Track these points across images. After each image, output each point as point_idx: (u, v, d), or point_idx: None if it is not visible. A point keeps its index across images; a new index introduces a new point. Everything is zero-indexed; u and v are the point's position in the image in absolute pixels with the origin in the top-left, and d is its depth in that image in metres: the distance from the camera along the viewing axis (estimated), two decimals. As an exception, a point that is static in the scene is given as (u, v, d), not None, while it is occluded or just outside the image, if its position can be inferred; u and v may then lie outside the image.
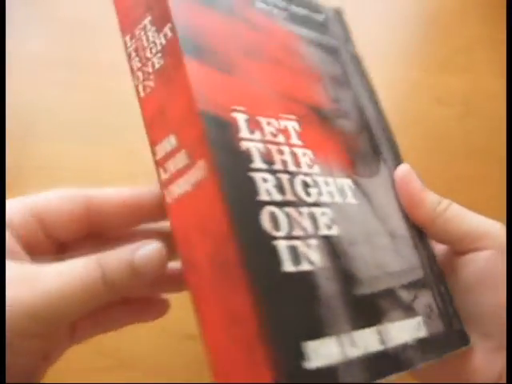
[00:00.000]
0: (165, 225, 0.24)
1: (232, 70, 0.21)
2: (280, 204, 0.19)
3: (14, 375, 0.19)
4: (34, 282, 0.18)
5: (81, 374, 0.36)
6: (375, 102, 0.29)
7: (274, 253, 0.18)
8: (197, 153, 0.19)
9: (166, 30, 0.21)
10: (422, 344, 0.21)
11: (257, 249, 0.17)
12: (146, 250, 0.20)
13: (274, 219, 0.18)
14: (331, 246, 0.20)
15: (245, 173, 0.19)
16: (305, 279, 0.18)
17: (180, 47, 0.20)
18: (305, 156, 0.22)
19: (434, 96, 0.54)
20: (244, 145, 0.19)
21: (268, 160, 0.20)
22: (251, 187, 0.19)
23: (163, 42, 0.21)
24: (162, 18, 0.21)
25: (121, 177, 0.44)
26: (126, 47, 0.23)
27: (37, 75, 0.49)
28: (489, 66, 0.56)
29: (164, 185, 0.20)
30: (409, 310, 0.22)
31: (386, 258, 0.22)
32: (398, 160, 0.28)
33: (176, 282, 0.24)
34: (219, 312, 0.17)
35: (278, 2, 0.26)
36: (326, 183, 0.22)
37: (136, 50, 0.22)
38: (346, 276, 0.20)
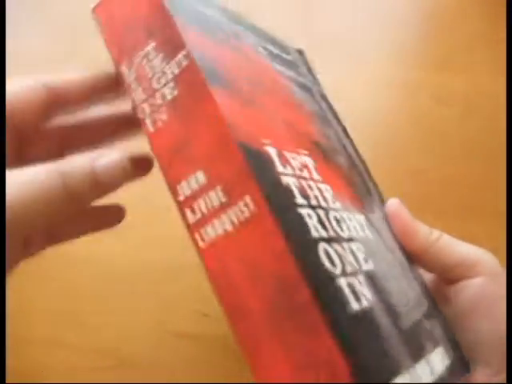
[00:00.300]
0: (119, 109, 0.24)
1: (251, 102, 0.20)
2: (328, 240, 0.18)
3: None
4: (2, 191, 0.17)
5: (81, 374, 0.36)
6: (350, 139, 0.29)
7: (340, 292, 0.17)
8: (239, 188, 0.17)
9: (180, 57, 0.19)
10: (448, 372, 0.21)
11: (327, 289, 0.16)
12: (108, 159, 0.19)
13: (329, 256, 0.18)
14: (372, 280, 0.19)
15: (294, 208, 0.18)
16: (368, 317, 0.17)
17: (203, 76, 0.18)
18: (327, 191, 0.21)
19: (433, 96, 0.54)
20: (284, 179, 0.18)
21: (305, 195, 0.19)
22: (303, 224, 0.17)
23: (175, 71, 0.19)
24: (173, 45, 0.19)
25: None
26: (124, 78, 0.21)
27: (36, 74, 0.49)
28: (488, 65, 0.56)
29: (194, 228, 0.18)
30: (434, 340, 0.21)
31: (406, 289, 0.22)
32: (380, 195, 0.28)
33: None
34: (285, 358, 0.16)
35: (258, 39, 0.25)
36: (350, 219, 0.21)
37: (138, 80, 0.20)
38: (391, 310, 0.19)
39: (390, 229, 0.25)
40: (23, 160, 0.22)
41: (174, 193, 0.19)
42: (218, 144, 0.18)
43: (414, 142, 0.51)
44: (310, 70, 0.31)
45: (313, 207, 0.19)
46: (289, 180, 0.18)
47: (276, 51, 0.27)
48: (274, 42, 0.27)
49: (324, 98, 0.30)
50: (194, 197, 0.18)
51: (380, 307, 0.18)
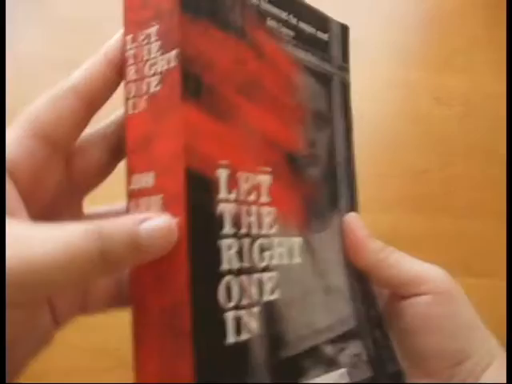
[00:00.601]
0: None
1: (225, 115, 0.20)
2: (237, 272, 0.19)
3: None
4: (24, 246, 0.16)
5: (81, 374, 0.36)
6: (349, 141, 0.29)
7: (221, 325, 0.18)
8: (172, 209, 0.18)
9: (172, 55, 0.18)
10: None
11: (207, 321, 0.18)
12: (154, 223, 0.17)
13: (228, 290, 0.19)
14: (270, 310, 0.20)
15: (214, 240, 0.18)
16: (241, 349, 0.19)
17: (182, 88, 0.18)
18: (268, 216, 0.21)
19: (433, 96, 0.54)
20: (220, 208, 0.19)
21: (236, 223, 0.20)
22: (216, 257, 0.18)
23: (165, 66, 0.19)
24: (170, 39, 0.19)
25: (121, 176, 0.44)
26: (126, 47, 0.20)
27: (37, 75, 0.49)
28: (488, 66, 0.56)
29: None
30: (332, 364, 0.22)
31: (316, 316, 0.23)
32: (352, 208, 0.28)
33: None
34: (156, 364, 0.18)
35: (289, 18, 0.25)
36: (280, 244, 0.22)
37: (135, 58, 0.20)
38: (275, 340, 0.20)
39: (342, 246, 0.26)
40: (71, 172, 0.21)
41: (128, 179, 0.19)
42: (171, 158, 0.18)
43: (414, 142, 0.51)
44: (345, 52, 0.29)
45: (239, 236, 0.20)
46: (225, 208, 0.19)
47: (309, 30, 0.26)
48: (311, 18, 0.26)
49: (344, 88, 0.29)
50: (141, 193, 0.19)
51: (262, 339, 0.20)
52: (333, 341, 0.23)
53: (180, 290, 0.18)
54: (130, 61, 0.20)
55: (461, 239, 0.48)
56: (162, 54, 0.19)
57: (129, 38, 0.20)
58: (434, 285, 0.24)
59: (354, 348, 0.24)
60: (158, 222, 0.17)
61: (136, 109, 0.19)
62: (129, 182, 0.19)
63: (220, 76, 0.20)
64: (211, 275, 0.18)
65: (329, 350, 0.23)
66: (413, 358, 0.24)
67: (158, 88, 0.19)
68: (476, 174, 0.50)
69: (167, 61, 0.19)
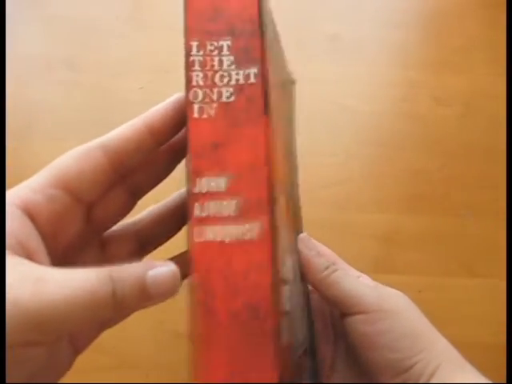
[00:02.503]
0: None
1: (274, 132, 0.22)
2: (285, 281, 0.21)
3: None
4: (41, 288, 0.17)
5: (81, 374, 0.36)
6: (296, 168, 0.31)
7: (284, 326, 0.20)
8: (252, 212, 0.19)
9: (250, 72, 0.20)
10: None
11: (283, 323, 0.20)
12: (159, 271, 0.19)
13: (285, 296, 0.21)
14: (288, 321, 0.22)
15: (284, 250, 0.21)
16: (289, 350, 0.21)
17: (263, 103, 0.20)
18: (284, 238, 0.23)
19: (432, 96, 0.54)
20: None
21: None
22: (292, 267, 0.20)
23: (241, 81, 0.20)
24: (250, 58, 0.20)
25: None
26: (189, 53, 0.21)
27: (37, 75, 0.49)
28: (488, 65, 0.56)
29: (196, 222, 0.19)
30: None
31: (299, 331, 0.24)
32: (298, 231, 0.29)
33: None
34: (226, 366, 0.19)
35: None
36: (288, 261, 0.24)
37: (202, 65, 0.20)
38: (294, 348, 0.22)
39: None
40: (92, 220, 0.22)
41: (191, 183, 0.20)
42: (251, 166, 0.19)
43: (413, 142, 0.51)
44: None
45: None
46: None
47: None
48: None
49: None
50: (207, 196, 0.19)
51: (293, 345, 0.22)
52: (300, 356, 0.25)
53: (264, 291, 0.18)
54: (196, 67, 0.21)
55: (461, 239, 0.48)
56: (237, 68, 0.20)
57: (194, 44, 0.21)
58: (364, 305, 0.26)
59: (310, 363, 0.27)
60: (163, 270, 0.19)
61: (204, 114, 0.20)
62: (193, 185, 0.20)
63: (272, 98, 0.21)
64: (280, 281, 0.20)
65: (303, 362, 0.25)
66: (367, 371, 0.26)
67: (232, 98, 0.20)
68: (475, 174, 0.50)
69: (244, 77, 0.20)
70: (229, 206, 0.19)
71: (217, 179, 0.19)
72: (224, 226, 0.19)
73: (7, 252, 0.18)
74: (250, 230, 0.19)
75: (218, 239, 0.19)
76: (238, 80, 0.20)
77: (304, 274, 0.27)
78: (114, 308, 0.18)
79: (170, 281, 0.19)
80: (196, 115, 0.20)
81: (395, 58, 0.56)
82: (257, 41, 0.20)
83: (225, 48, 0.20)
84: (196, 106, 0.20)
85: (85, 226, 0.22)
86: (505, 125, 0.52)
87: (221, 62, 0.20)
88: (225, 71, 0.20)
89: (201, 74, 0.21)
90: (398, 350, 0.25)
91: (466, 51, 0.57)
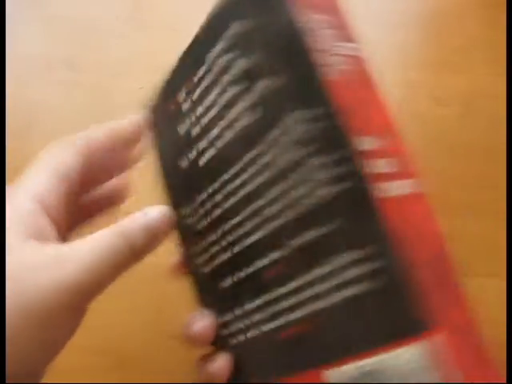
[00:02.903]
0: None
1: None
2: None
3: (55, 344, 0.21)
4: (69, 263, 0.19)
5: (81, 374, 0.36)
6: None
7: None
8: (410, 168, 0.21)
9: (353, 46, 0.22)
10: None
11: None
12: (156, 212, 0.22)
13: None
14: None
15: None
16: None
17: (370, 72, 0.22)
18: None
19: (432, 96, 0.54)
20: None
21: None
22: None
23: (348, 52, 0.22)
24: (345, 33, 0.22)
25: (121, 177, 0.44)
26: (301, 19, 0.21)
27: (37, 75, 0.49)
28: (488, 65, 0.56)
29: (376, 178, 0.20)
30: None
31: None
32: None
33: None
34: (455, 302, 0.20)
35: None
36: None
37: (314, 35, 0.21)
38: None
39: None
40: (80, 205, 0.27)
41: (352, 142, 0.20)
42: (389, 125, 0.21)
43: (413, 142, 0.51)
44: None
45: None
46: None
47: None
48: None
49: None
50: (374, 154, 0.20)
51: None
52: None
53: (442, 237, 0.21)
54: (311, 35, 0.21)
55: (461, 239, 0.48)
56: (340, 41, 0.22)
57: (302, 14, 0.21)
58: None
59: None
60: (159, 209, 0.22)
61: (333, 76, 0.21)
62: (353, 145, 0.20)
63: None
64: None
65: None
66: None
67: (348, 67, 0.21)
68: (475, 174, 0.50)
69: (349, 49, 0.22)
70: (391, 163, 0.21)
71: (372, 138, 0.21)
72: (397, 182, 0.20)
73: (28, 239, 0.20)
74: (413, 184, 0.21)
75: (399, 192, 0.20)
76: (345, 51, 0.22)
77: None
78: (133, 257, 0.21)
79: (167, 215, 0.23)
80: (330, 76, 0.21)
81: (394, 58, 0.56)
82: (347, 17, 0.23)
83: (325, 23, 0.22)
84: (325, 69, 0.21)
85: (76, 210, 0.25)
86: (505, 125, 0.52)
87: (324, 35, 0.21)
88: (333, 43, 0.22)
89: (318, 41, 0.21)
90: None
91: (466, 51, 0.57)
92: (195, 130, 0.25)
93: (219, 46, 0.23)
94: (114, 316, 0.40)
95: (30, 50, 0.50)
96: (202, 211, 0.25)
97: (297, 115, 0.21)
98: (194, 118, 0.24)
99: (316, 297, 0.21)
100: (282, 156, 0.22)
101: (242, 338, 0.24)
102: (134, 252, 0.21)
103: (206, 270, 0.26)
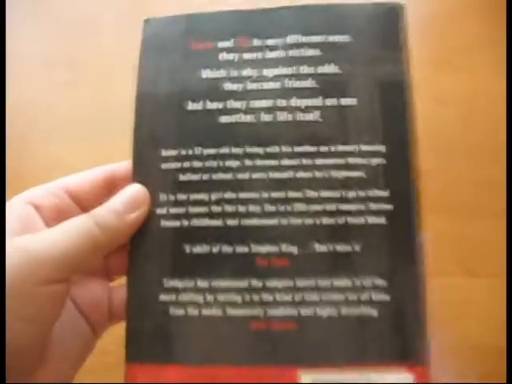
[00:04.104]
0: None
1: None
2: None
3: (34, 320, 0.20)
4: (40, 236, 0.21)
5: (81, 374, 0.36)
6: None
7: None
8: None
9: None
10: None
11: None
12: (127, 194, 0.23)
13: None
14: None
15: None
16: None
17: None
18: None
19: (432, 96, 0.54)
20: None
21: None
22: None
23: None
24: None
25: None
26: None
27: (37, 75, 0.49)
28: (488, 65, 0.56)
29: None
30: None
31: None
32: None
33: None
34: None
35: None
36: None
37: None
38: None
39: None
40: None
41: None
42: None
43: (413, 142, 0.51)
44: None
45: None
46: None
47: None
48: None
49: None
50: None
51: None
52: None
53: None
54: None
55: (461, 239, 0.48)
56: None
57: None
58: None
59: None
60: (131, 190, 0.23)
61: None
62: None
63: None
64: None
65: None
66: None
67: None
68: (476, 174, 0.50)
69: None
70: None
71: None
72: None
73: (10, 237, 0.21)
74: None
75: None
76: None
77: None
78: (104, 238, 0.21)
79: (141, 195, 0.23)
80: None
81: (395, 57, 0.56)
82: None
83: None
84: None
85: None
86: (505, 125, 0.52)
87: None
88: None
89: None
90: None
91: (466, 51, 0.57)
92: (232, 86, 0.24)
93: (304, 38, 0.25)
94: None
95: (30, 50, 0.50)
96: (201, 165, 0.23)
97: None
98: (235, 74, 0.24)
99: (316, 303, 0.21)
100: (341, 171, 0.22)
101: (193, 312, 0.22)
102: (104, 232, 0.21)
103: (170, 224, 0.23)
